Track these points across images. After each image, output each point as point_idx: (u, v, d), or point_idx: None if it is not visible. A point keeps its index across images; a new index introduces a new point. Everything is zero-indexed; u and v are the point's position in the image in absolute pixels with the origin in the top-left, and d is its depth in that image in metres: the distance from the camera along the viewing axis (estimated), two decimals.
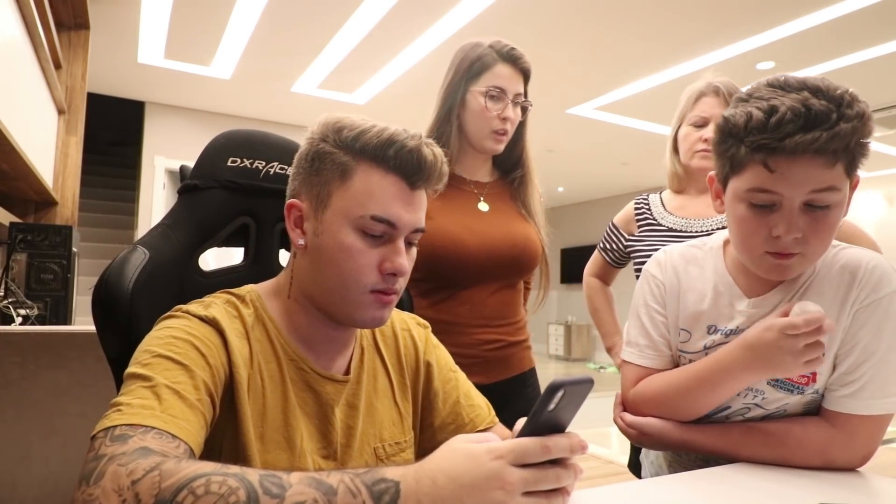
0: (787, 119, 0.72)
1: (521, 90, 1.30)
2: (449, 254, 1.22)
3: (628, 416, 0.95)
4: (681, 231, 1.42)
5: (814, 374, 0.84)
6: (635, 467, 1.51)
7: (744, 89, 0.82)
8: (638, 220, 1.52)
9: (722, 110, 1.33)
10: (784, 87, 0.76)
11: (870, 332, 0.82)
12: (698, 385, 0.87)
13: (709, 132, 1.37)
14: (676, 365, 0.96)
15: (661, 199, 1.52)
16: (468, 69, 1.27)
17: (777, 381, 0.86)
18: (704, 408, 0.89)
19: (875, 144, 6.38)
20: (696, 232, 1.39)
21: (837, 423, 0.83)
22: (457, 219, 1.26)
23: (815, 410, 0.88)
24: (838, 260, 0.85)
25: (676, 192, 1.51)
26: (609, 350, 1.59)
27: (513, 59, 1.28)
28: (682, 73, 4.62)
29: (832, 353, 0.84)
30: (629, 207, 1.57)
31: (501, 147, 1.31)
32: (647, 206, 1.52)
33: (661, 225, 1.46)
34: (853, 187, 0.80)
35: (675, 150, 1.48)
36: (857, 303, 0.82)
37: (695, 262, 0.96)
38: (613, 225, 1.61)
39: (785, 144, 0.72)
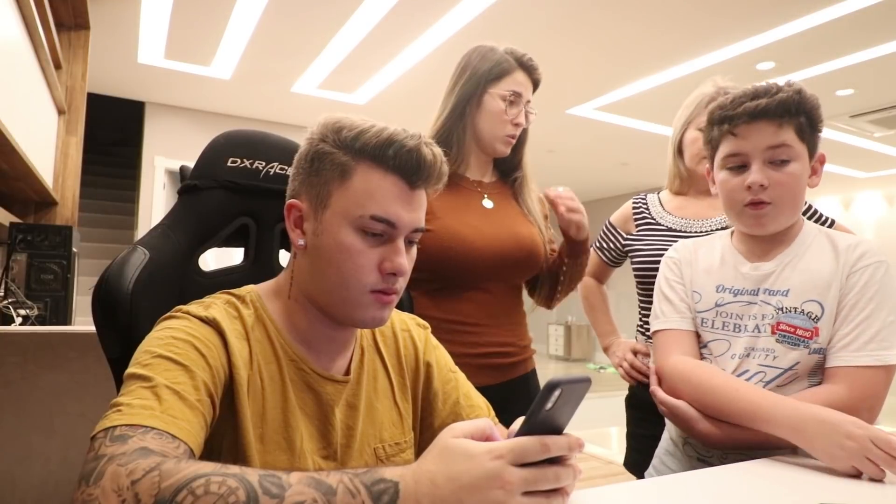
0: (739, 96, 0.98)
1: (531, 98, 1.32)
2: (458, 254, 1.22)
3: (660, 394, 1.02)
4: (680, 231, 1.43)
5: (816, 328, 0.93)
6: (633, 466, 1.50)
7: (746, 88, 0.99)
8: (636, 220, 1.53)
9: None
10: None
11: (858, 293, 0.93)
12: (737, 410, 0.91)
13: None
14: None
15: (659, 199, 1.53)
16: (488, 71, 1.28)
17: (784, 335, 0.95)
18: (725, 419, 0.94)
19: (875, 144, 6.38)
20: (696, 232, 1.40)
21: (836, 378, 0.91)
22: (463, 218, 1.26)
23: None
24: (829, 238, 0.99)
25: (677, 194, 1.52)
26: (606, 349, 1.58)
27: (530, 68, 1.31)
28: (683, 73, 4.62)
29: (833, 314, 0.93)
30: (626, 207, 1.58)
31: (509, 151, 1.33)
32: (645, 206, 1.53)
33: (660, 225, 1.47)
34: (820, 161, 1.00)
35: (679, 152, 1.48)
36: (846, 267, 0.94)
37: (705, 245, 1.12)
38: (610, 224, 1.61)
39: (739, 111, 0.96)
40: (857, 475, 0.79)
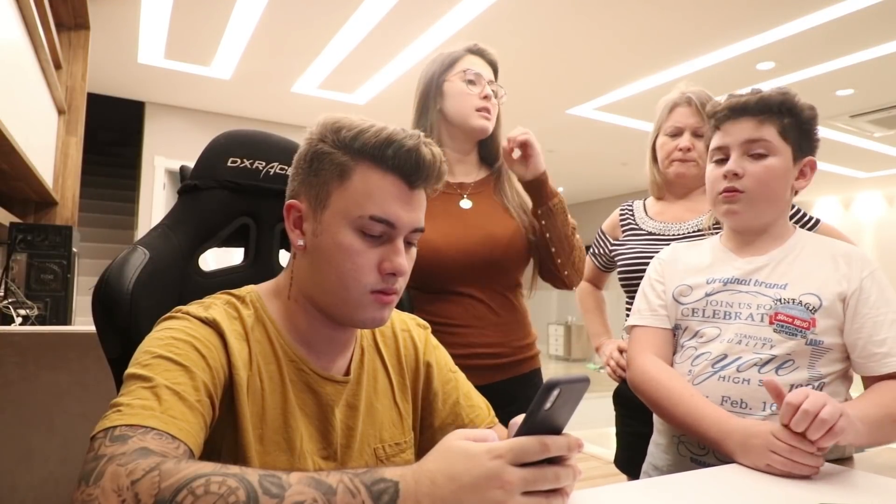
0: (732, 97, 1.04)
1: (493, 79, 1.33)
2: (425, 260, 1.19)
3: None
4: (659, 234, 1.48)
5: (813, 318, 0.95)
6: (622, 464, 1.53)
7: (742, 90, 1.05)
8: (622, 226, 1.59)
9: (695, 120, 1.43)
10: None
11: (880, 297, 0.96)
12: (682, 416, 0.97)
13: (684, 141, 1.44)
14: (675, 325, 1.09)
15: (643, 205, 1.59)
16: (441, 63, 1.31)
17: (781, 325, 0.96)
18: (671, 422, 1.02)
19: (875, 144, 6.38)
20: (674, 235, 1.45)
21: None
22: (433, 224, 1.23)
23: (821, 360, 0.96)
24: (820, 243, 1.04)
25: (657, 199, 1.58)
26: (597, 349, 1.65)
27: (479, 51, 1.32)
28: (683, 73, 4.62)
29: (832, 308, 0.95)
30: (615, 214, 1.64)
31: (490, 125, 1.31)
32: (630, 212, 1.59)
33: (642, 229, 1.52)
34: (809, 165, 1.03)
35: (654, 159, 1.54)
36: (857, 272, 0.97)
37: (696, 246, 1.16)
38: (601, 230, 1.68)
39: (725, 108, 1.03)
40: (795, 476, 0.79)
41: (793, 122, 1.01)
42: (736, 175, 1.00)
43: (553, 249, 1.28)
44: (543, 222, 1.27)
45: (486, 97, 1.29)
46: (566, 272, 1.31)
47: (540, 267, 1.36)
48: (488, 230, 1.28)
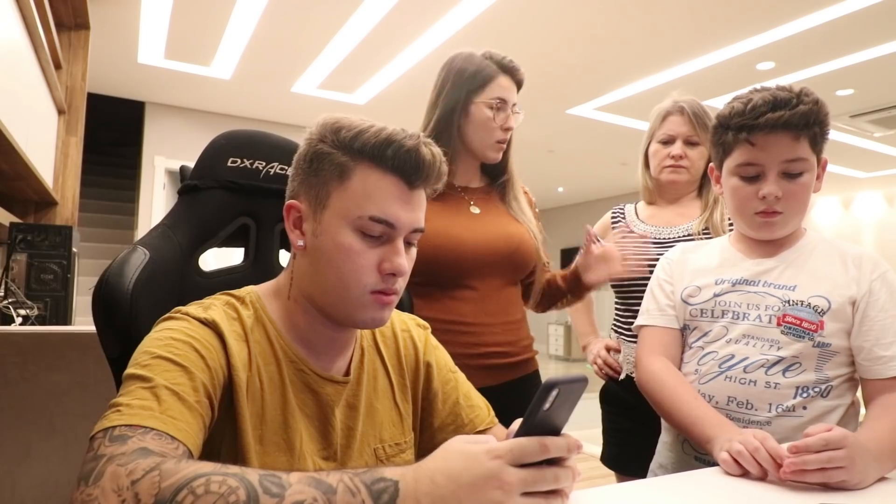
0: (759, 104, 0.95)
1: (516, 100, 1.33)
2: (448, 251, 1.23)
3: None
4: (650, 237, 1.50)
5: (821, 321, 0.95)
6: (609, 460, 1.54)
7: (741, 91, 1.01)
8: (613, 228, 1.62)
9: (687, 128, 1.46)
10: (759, 89, 0.99)
11: (889, 301, 0.95)
12: (681, 417, 0.97)
13: (676, 149, 1.48)
14: (683, 325, 1.08)
15: (635, 208, 1.63)
16: (471, 79, 1.28)
17: (789, 327, 0.96)
18: (670, 422, 1.03)
19: (875, 144, 6.38)
20: (665, 238, 1.48)
21: None
22: (452, 220, 1.27)
23: (828, 363, 0.96)
24: (830, 245, 1.03)
25: (649, 204, 1.61)
26: (584, 348, 1.68)
27: (512, 70, 1.31)
28: (683, 73, 4.62)
29: (840, 311, 0.94)
30: (606, 216, 1.68)
31: (500, 155, 1.34)
32: (622, 215, 1.63)
33: (633, 232, 1.55)
34: (822, 166, 1.02)
35: (647, 165, 1.58)
36: (867, 274, 0.97)
37: (704, 246, 1.15)
38: None
39: (759, 122, 0.95)
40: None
41: (820, 131, 0.98)
42: (777, 198, 0.97)
43: (558, 305, 1.46)
44: (567, 298, 1.42)
45: (506, 129, 1.30)
46: (541, 310, 1.47)
47: (525, 293, 1.43)
48: (503, 228, 1.32)
